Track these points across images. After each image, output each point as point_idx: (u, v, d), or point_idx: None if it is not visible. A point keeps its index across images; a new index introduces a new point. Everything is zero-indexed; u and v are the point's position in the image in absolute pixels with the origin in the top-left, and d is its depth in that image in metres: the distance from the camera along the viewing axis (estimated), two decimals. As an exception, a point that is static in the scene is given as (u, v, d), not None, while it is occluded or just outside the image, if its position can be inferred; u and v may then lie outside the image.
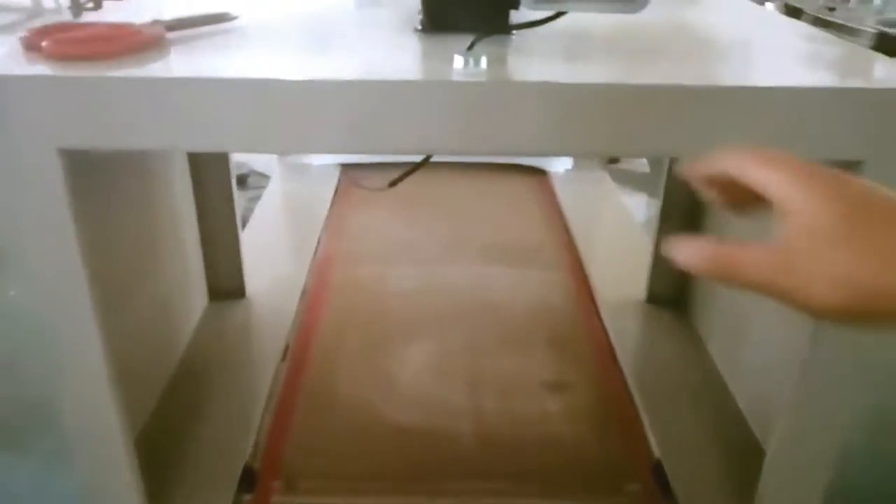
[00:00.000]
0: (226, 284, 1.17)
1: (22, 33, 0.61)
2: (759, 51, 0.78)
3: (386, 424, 0.97)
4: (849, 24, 2.62)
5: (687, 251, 0.39)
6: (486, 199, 1.65)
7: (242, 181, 2.12)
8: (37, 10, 5.95)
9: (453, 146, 0.59)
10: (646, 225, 1.70)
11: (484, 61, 0.58)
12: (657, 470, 0.91)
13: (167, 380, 1.00)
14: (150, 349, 0.95)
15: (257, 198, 1.71)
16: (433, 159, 0.74)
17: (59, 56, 0.59)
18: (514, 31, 0.70)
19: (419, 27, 0.72)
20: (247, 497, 0.86)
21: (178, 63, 0.63)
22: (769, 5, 3.74)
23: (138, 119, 0.58)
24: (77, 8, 5.10)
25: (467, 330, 1.16)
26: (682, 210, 1.14)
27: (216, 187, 1.10)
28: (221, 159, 1.08)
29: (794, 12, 3.25)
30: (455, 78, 0.57)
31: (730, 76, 0.67)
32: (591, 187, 1.73)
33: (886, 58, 0.69)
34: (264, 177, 2.02)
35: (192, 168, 1.07)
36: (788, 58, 0.74)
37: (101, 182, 0.76)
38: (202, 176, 1.09)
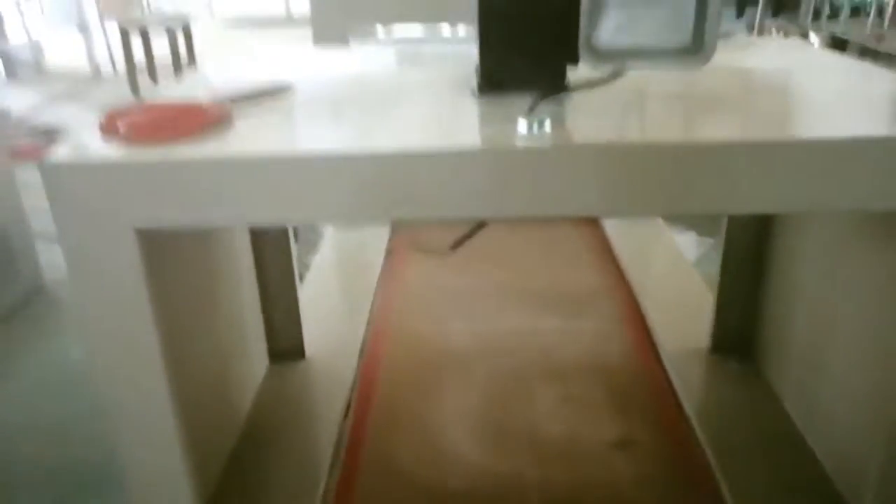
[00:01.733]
0: (286, 346, 1.18)
1: (99, 117, 0.64)
2: (815, 99, 0.76)
3: (447, 491, 0.95)
4: (897, 54, 2.57)
5: None
6: (538, 248, 1.63)
7: (294, 236, 2.15)
8: (96, 78, 6.25)
9: (516, 210, 0.59)
10: (697, 265, 1.66)
11: (548, 124, 0.58)
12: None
13: (231, 447, 1.00)
14: (213, 417, 0.96)
15: (310, 252, 1.73)
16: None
17: (135, 139, 0.61)
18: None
19: (475, 90, 0.72)
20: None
21: (245, 141, 0.64)
22: (812, 37, 3.68)
23: (210, 198, 0.59)
24: (135, 85, 5.38)
25: (526, 387, 1.14)
26: (744, 255, 1.11)
27: (275, 250, 1.12)
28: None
29: (839, 44, 3.19)
30: (520, 144, 0.57)
31: (789, 129, 0.65)
32: (643, 228, 1.70)
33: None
34: (316, 232, 2.05)
35: (251, 232, 1.09)
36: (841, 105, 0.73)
37: (168, 252, 0.78)
38: (261, 240, 1.10)
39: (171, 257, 0.78)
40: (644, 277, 1.46)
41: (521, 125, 0.58)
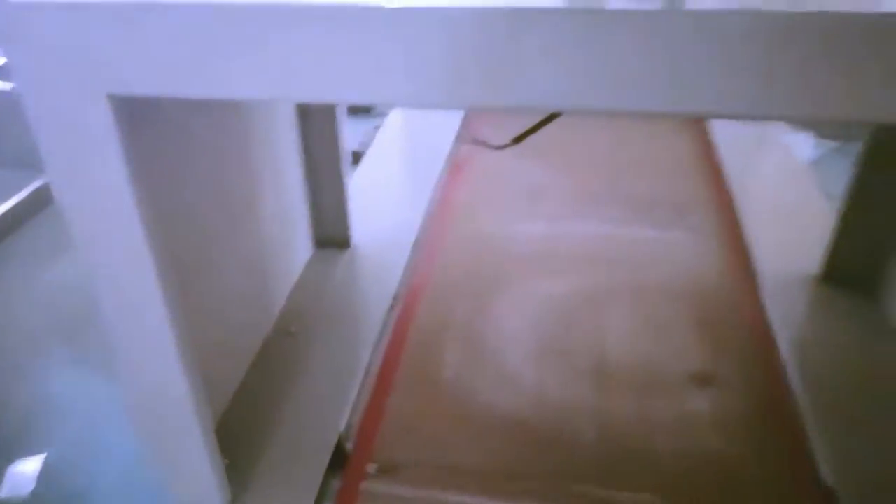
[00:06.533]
0: (331, 232, 1.07)
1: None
2: None
3: (494, 412, 0.85)
4: None
5: None
6: (626, 142, 1.44)
7: (367, 108, 2.01)
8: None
9: (607, 102, 0.42)
10: (811, 171, 1.42)
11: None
12: (827, 499, 0.73)
13: (263, 338, 0.92)
14: (246, 307, 0.87)
15: (379, 126, 1.59)
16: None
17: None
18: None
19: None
20: (335, 482, 0.77)
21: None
22: None
23: (205, 58, 0.45)
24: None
25: (597, 304, 1.00)
26: (886, 169, 0.90)
27: (321, 126, 0.99)
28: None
29: None
30: (614, 5, 0.40)
31: None
32: (755, 128, 1.46)
33: None
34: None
35: (296, 106, 0.95)
36: None
37: (174, 121, 0.65)
38: (307, 113, 0.97)
39: (179, 128, 0.66)
40: (750, 184, 1.26)
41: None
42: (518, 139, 0.70)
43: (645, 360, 0.91)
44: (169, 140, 0.65)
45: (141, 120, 0.53)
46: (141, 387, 0.62)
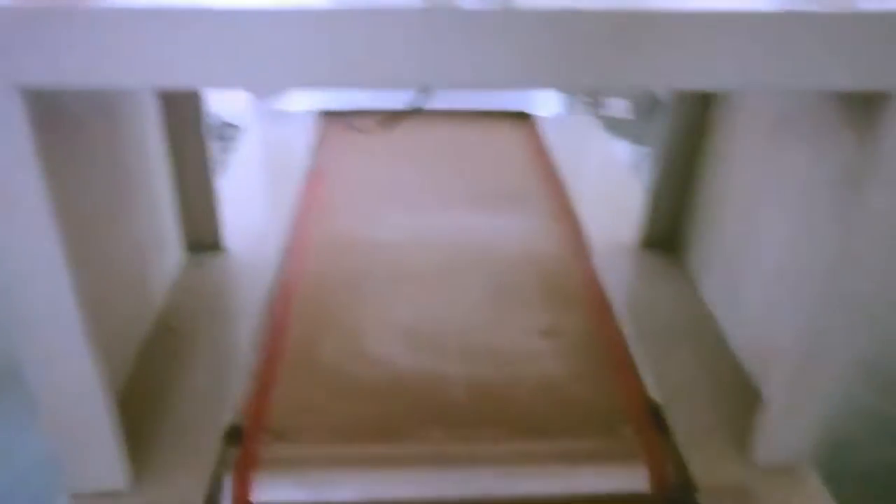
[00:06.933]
0: (203, 236, 1.12)
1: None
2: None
3: (373, 384, 0.93)
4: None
5: None
6: (472, 146, 1.60)
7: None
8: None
9: (456, 79, 0.54)
10: (631, 171, 1.67)
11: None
12: (654, 411, 0.89)
13: (145, 336, 0.95)
14: (125, 304, 0.91)
15: (227, 149, 1.64)
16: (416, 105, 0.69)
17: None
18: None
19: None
20: (233, 451, 0.82)
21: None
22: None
23: (106, 56, 0.52)
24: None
25: (457, 281, 1.13)
26: (679, 153, 1.11)
27: (189, 134, 1.04)
28: (194, 103, 1.02)
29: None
30: (467, 5, 0.52)
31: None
32: (580, 132, 1.68)
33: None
34: (233, 127, 1.95)
35: (163, 113, 1.00)
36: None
37: (64, 125, 0.70)
38: (174, 122, 1.02)
39: (69, 131, 0.71)
40: (578, 176, 1.45)
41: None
42: (389, 120, 0.81)
43: (502, 323, 1.04)
44: (62, 135, 0.69)
45: (44, 113, 0.58)
46: (47, 366, 0.66)
